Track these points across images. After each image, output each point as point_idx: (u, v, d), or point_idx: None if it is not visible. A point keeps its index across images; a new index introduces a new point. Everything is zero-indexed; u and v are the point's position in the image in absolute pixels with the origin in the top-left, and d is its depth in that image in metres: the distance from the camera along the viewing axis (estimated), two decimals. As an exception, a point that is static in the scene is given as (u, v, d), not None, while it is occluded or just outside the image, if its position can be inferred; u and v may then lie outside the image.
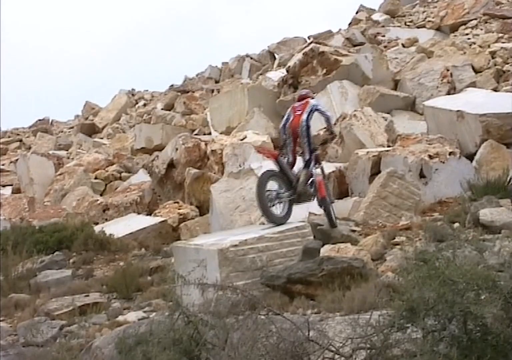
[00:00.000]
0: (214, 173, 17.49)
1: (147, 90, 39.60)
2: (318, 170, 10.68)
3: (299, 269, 7.73)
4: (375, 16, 27.49)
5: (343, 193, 14.79)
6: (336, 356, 4.75)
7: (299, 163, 10.45)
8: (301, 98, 10.81)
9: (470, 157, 14.46)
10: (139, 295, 10.16)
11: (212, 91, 30.85)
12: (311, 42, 22.20)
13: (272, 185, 9.90)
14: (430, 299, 4.49)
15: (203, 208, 16.61)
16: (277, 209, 9.76)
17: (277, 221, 9.51)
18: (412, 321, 4.54)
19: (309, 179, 10.25)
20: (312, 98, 10.96)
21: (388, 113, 17.79)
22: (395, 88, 19.65)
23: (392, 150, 14.72)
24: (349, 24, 28.69)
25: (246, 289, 5.98)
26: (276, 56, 29.87)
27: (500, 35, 20.86)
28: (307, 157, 10.40)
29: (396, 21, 26.32)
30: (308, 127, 10.35)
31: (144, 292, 10.22)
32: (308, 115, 10.42)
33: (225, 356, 4.70)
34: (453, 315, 4.44)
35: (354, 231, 10.64)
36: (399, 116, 18.23)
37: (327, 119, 10.70)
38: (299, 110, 10.54)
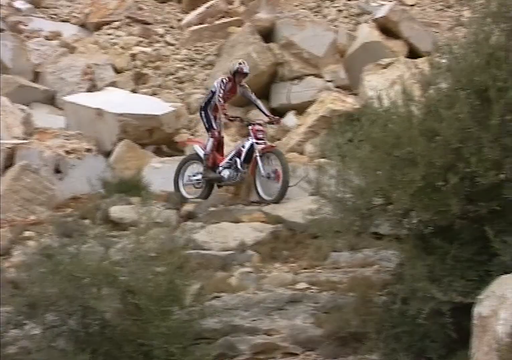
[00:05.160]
0: None
1: None
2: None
3: None
4: (18, 4, 26.45)
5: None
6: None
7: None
8: None
9: (108, 155, 14.74)
10: None
11: None
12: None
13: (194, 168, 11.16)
14: (51, 295, 4.48)
15: None
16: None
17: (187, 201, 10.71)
18: (32, 317, 4.50)
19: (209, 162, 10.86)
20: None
21: (26, 105, 17.36)
22: (35, 80, 19.22)
23: (28, 143, 14.44)
24: (-10, 9, 27.41)
25: None
26: None
27: (141, 39, 21.55)
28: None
29: (40, 12, 25.72)
30: (200, 109, 11.28)
31: None
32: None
33: None
34: (74, 310, 4.49)
35: None
36: (38, 109, 17.90)
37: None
38: None
